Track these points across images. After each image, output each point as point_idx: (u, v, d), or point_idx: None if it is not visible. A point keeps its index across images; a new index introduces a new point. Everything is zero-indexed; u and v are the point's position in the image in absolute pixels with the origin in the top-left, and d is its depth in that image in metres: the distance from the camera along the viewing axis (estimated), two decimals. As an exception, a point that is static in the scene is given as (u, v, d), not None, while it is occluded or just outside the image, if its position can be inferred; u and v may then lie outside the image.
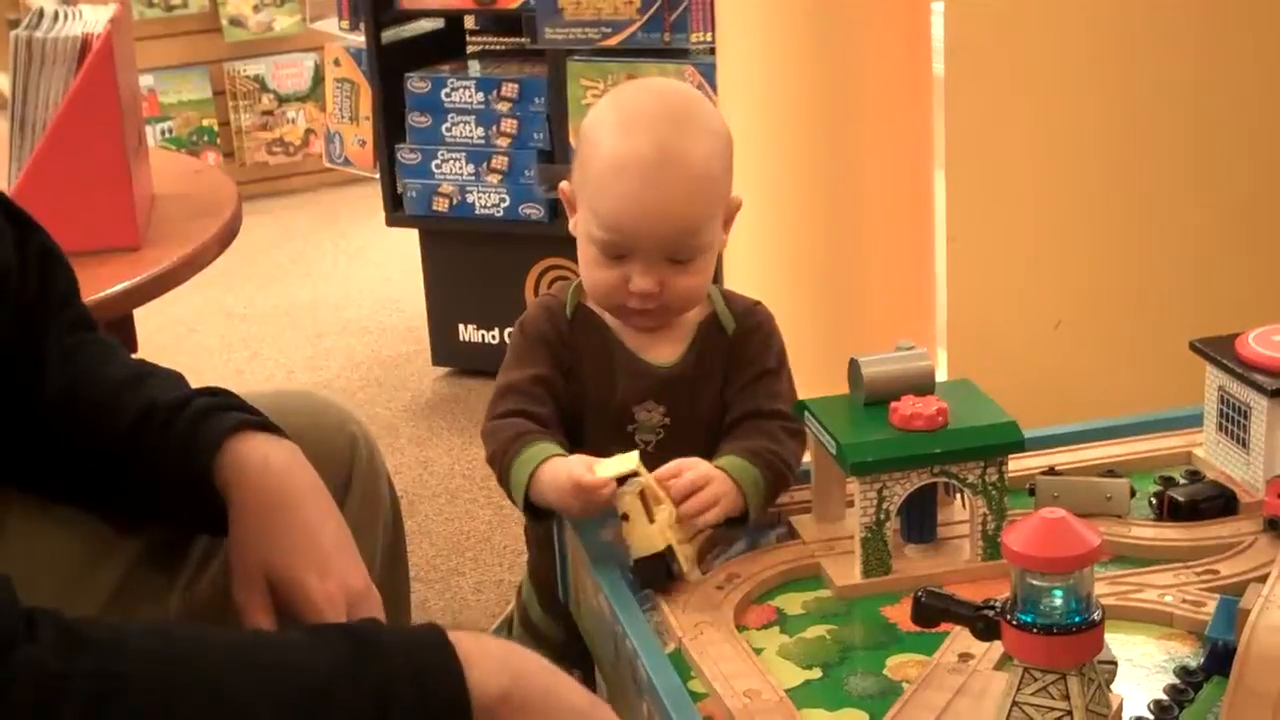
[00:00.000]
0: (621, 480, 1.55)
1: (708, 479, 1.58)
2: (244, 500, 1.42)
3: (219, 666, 1.16)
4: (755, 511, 1.62)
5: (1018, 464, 1.62)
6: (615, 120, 1.66)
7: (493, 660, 1.22)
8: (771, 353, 1.73)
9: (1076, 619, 1.20)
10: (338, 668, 1.17)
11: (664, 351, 1.72)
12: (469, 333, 3.91)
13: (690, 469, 1.58)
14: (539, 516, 1.66)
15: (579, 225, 1.69)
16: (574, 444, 1.69)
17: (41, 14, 2.33)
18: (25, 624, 1.10)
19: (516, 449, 1.64)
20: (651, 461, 1.65)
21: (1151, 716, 1.31)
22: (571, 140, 3.55)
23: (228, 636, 1.24)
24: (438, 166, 3.76)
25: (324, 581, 1.38)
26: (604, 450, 1.64)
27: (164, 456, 1.45)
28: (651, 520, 1.53)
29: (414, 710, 1.17)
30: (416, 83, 3.74)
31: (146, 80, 5.35)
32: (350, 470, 1.63)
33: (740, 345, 1.72)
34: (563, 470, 1.59)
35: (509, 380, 1.71)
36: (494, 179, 3.71)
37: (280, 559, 1.39)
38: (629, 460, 1.56)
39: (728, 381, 1.71)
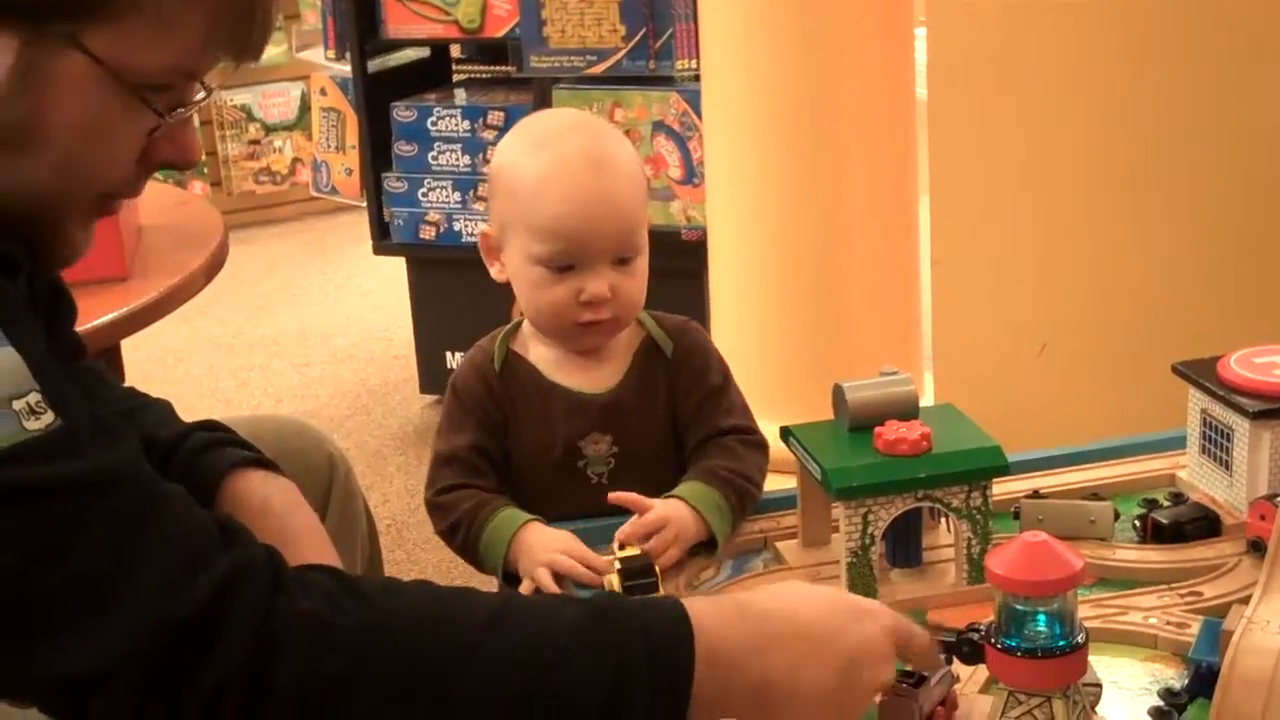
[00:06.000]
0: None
1: (663, 521, 1.60)
2: None
3: (475, 629, 1.18)
4: (720, 534, 1.63)
5: (1002, 487, 1.62)
6: (530, 144, 1.67)
7: (734, 644, 1.21)
8: (714, 369, 1.73)
9: (1060, 642, 1.21)
10: (580, 636, 1.18)
11: (600, 379, 1.71)
12: (456, 360, 3.90)
13: (647, 512, 1.61)
14: (515, 581, 1.65)
15: (511, 259, 1.68)
16: (528, 492, 1.70)
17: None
18: (297, 576, 1.16)
19: (485, 516, 1.66)
20: (605, 493, 1.67)
21: (1136, 738, 1.32)
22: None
23: (485, 598, 1.25)
24: (424, 194, 3.76)
25: None
26: (558, 493, 1.68)
27: None
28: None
29: (647, 680, 1.17)
30: (403, 111, 3.75)
31: (133, 110, 5.35)
32: (329, 490, 1.68)
33: (681, 366, 1.72)
34: (541, 550, 1.61)
35: (450, 449, 1.70)
36: (481, 206, 3.71)
37: None
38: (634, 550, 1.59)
39: (675, 406, 1.72)
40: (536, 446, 1.71)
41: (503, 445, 1.71)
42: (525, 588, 1.60)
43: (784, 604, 1.26)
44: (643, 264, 1.67)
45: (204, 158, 5.66)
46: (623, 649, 1.17)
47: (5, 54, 1.13)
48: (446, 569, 3.15)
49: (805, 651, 1.22)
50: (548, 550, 1.61)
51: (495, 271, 1.71)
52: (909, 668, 1.28)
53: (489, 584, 1.68)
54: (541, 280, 1.65)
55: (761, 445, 1.71)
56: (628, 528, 1.61)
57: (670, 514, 1.61)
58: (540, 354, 1.72)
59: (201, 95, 1.25)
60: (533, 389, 1.71)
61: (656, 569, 1.56)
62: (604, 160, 1.64)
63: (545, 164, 1.63)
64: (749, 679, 1.20)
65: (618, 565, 1.57)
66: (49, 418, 1.09)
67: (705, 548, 1.63)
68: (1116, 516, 1.64)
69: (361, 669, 1.12)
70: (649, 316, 1.74)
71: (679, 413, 1.72)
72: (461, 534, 1.67)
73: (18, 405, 1.08)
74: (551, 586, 1.58)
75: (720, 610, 1.23)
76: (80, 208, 1.24)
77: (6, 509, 1.07)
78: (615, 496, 1.63)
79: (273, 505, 1.44)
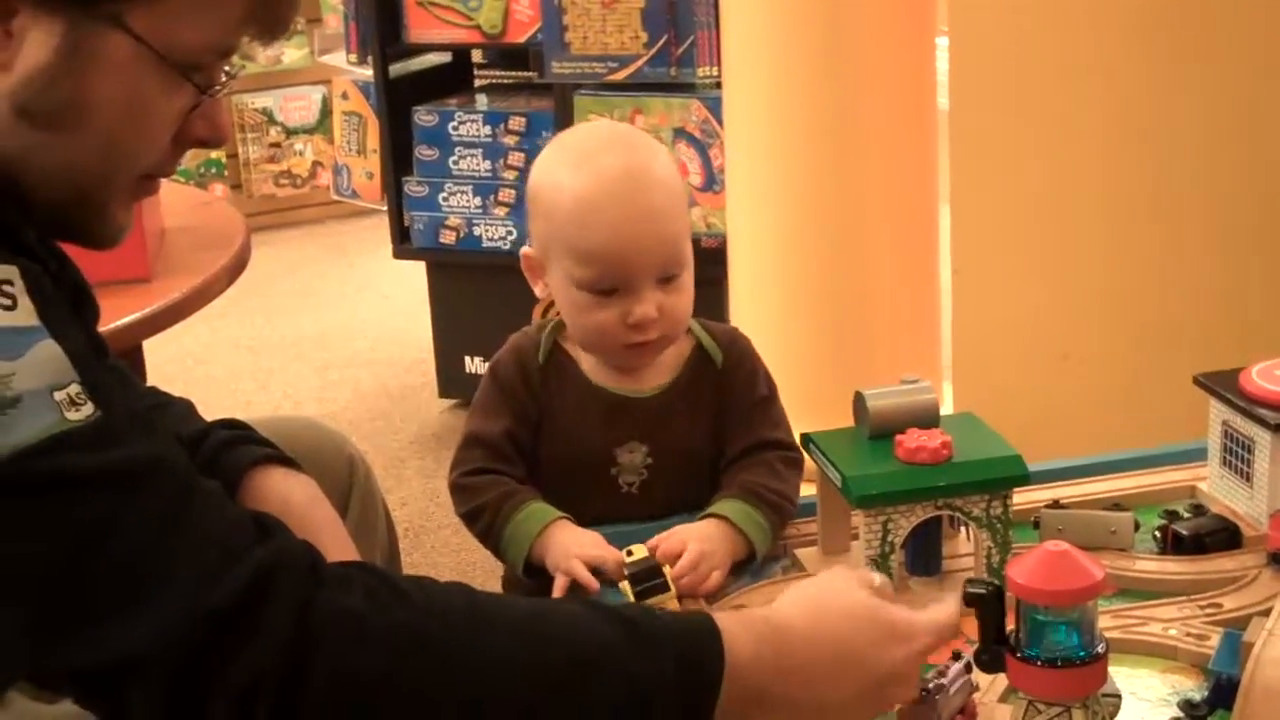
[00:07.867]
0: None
1: (702, 556, 1.57)
2: None
3: (511, 633, 1.19)
4: (760, 552, 1.63)
5: (1022, 497, 1.62)
6: (570, 162, 1.63)
7: (764, 664, 1.22)
8: (761, 380, 1.71)
9: (1080, 652, 1.21)
10: (611, 648, 1.19)
11: (647, 384, 1.69)
12: (475, 365, 3.91)
13: (687, 547, 1.58)
14: (534, 574, 1.63)
15: (555, 281, 1.64)
16: (552, 491, 1.67)
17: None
18: (336, 572, 1.17)
19: (512, 506, 1.63)
20: (635, 506, 1.67)
21: (1156, 749, 1.31)
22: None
23: (520, 604, 1.27)
24: (445, 199, 3.77)
25: None
26: (585, 497, 1.65)
27: None
28: None
29: (675, 693, 1.18)
30: (424, 116, 3.76)
31: (155, 113, 5.36)
32: (349, 491, 1.68)
33: (730, 376, 1.70)
34: (574, 545, 1.59)
35: (481, 432, 1.68)
36: (501, 212, 3.72)
37: None
38: (642, 554, 1.57)
39: (721, 415, 1.69)
40: (569, 448, 1.68)
41: (537, 434, 1.69)
42: (560, 585, 1.57)
43: (816, 626, 1.26)
44: (688, 279, 1.64)
45: (225, 160, 5.68)
46: (654, 662, 1.18)
47: (50, 36, 1.15)
48: (465, 573, 3.16)
49: (831, 675, 1.23)
50: (582, 547, 1.59)
51: (540, 290, 1.68)
52: (929, 678, 1.29)
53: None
54: (586, 304, 1.62)
55: (800, 463, 1.69)
56: (667, 554, 1.58)
57: (705, 549, 1.58)
58: (587, 354, 1.69)
59: (228, 74, 1.27)
60: (574, 389, 1.68)
61: (665, 571, 1.55)
62: (643, 176, 1.60)
63: (583, 185, 1.59)
64: (773, 700, 1.21)
65: (626, 571, 1.56)
66: (89, 409, 1.10)
67: (742, 564, 1.62)
68: (1137, 527, 1.63)
69: (398, 666, 1.13)
70: (698, 324, 1.71)
71: (724, 422, 1.69)
72: (485, 520, 1.64)
73: (59, 396, 1.10)
74: (590, 581, 1.56)
75: (752, 629, 1.24)
76: (122, 188, 1.25)
77: (48, 497, 1.08)
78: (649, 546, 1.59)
79: (293, 501, 1.44)
